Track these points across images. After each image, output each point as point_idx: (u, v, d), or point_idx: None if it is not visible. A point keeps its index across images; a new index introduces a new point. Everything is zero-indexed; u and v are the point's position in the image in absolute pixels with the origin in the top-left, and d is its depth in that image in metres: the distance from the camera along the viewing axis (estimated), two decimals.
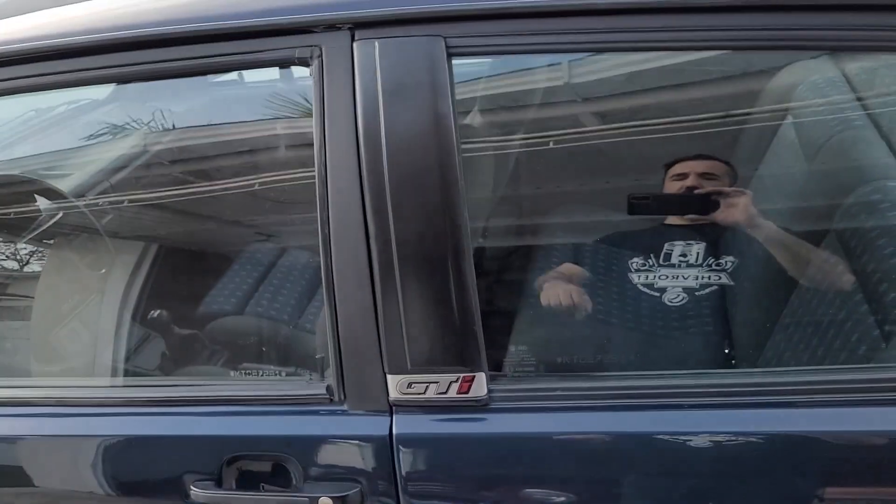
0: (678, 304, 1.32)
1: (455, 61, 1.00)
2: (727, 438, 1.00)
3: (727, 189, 1.30)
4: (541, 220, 1.81)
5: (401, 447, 1.04)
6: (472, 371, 1.02)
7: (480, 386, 1.02)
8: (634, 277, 1.31)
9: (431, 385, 1.03)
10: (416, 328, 1.02)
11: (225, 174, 1.99)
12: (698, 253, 1.33)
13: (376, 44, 1.00)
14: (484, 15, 0.99)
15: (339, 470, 1.07)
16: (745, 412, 1.00)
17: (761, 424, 0.98)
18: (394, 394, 1.04)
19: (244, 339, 1.74)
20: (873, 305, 1.23)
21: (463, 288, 1.00)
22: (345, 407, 1.07)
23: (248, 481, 1.10)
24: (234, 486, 1.10)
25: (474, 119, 1.84)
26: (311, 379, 1.12)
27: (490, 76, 1.96)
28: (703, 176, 1.42)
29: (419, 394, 1.03)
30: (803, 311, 1.30)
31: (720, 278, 1.30)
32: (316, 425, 1.08)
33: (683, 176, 1.44)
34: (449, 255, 1.00)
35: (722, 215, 1.28)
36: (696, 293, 1.33)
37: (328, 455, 1.08)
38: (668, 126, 1.94)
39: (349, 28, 1.02)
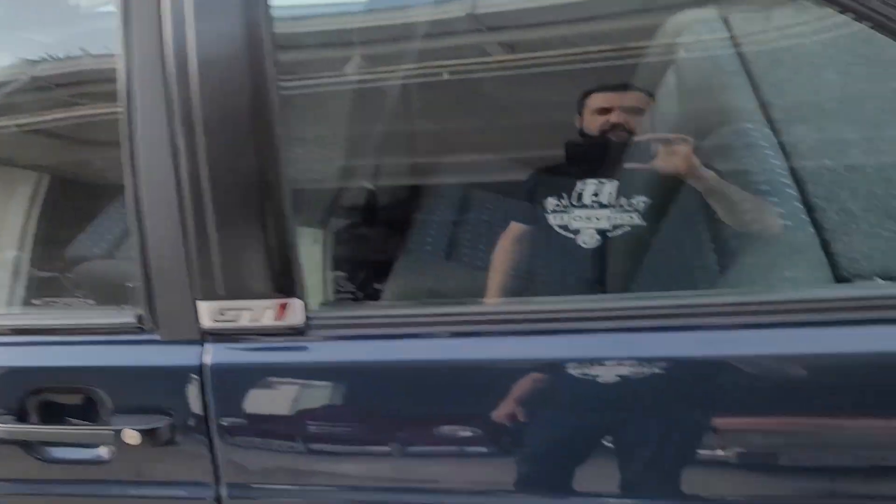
0: (592, 246, 1.28)
1: None
2: (529, 364, 0.96)
3: (670, 136, 1.22)
4: (410, 158, 1.77)
5: (212, 378, 0.99)
6: (287, 297, 0.97)
7: (297, 313, 0.97)
8: (550, 219, 1.25)
9: (245, 312, 0.98)
10: (229, 253, 0.96)
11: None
12: (610, 192, 1.27)
13: None
14: None
15: (148, 402, 1.01)
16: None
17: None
18: (205, 322, 0.99)
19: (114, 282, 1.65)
20: (717, 242, 1.23)
21: (277, 211, 0.95)
22: (156, 336, 1.01)
23: (53, 415, 1.04)
24: (37, 420, 1.03)
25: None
26: (122, 308, 1.06)
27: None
28: (629, 110, 1.36)
29: (232, 321, 0.98)
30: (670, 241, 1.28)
31: (632, 218, 1.25)
32: (125, 355, 1.02)
33: (606, 110, 1.37)
34: (263, 179, 0.94)
35: (662, 163, 1.19)
36: (609, 234, 1.28)
37: (137, 386, 1.02)
38: (560, 60, 1.92)
39: None
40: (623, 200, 1.27)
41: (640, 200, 1.29)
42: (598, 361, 0.92)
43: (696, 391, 0.91)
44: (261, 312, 0.98)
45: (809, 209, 1.19)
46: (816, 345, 0.90)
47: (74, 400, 1.04)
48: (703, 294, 1.09)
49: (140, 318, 1.01)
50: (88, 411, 1.03)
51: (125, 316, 1.03)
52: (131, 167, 0.97)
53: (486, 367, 0.95)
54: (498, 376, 0.94)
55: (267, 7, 0.93)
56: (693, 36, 1.78)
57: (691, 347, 0.92)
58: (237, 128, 0.93)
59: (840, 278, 1.07)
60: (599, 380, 0.91)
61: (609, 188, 1.28)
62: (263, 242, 0.96)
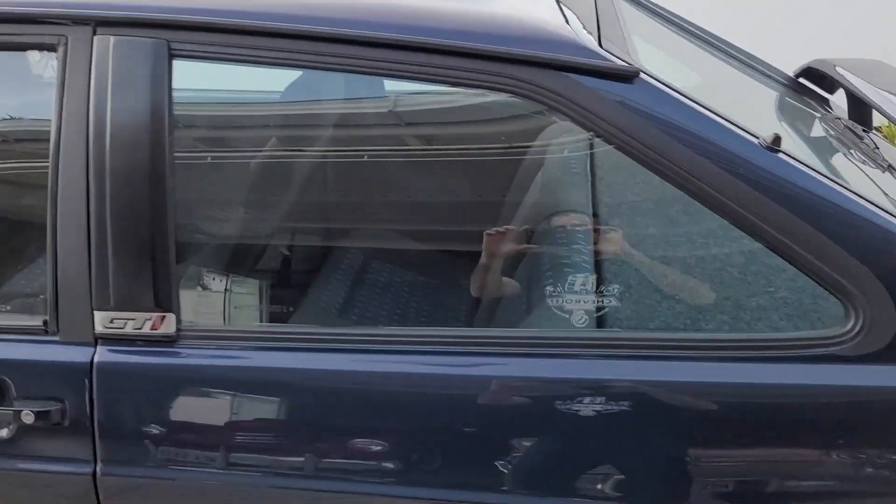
0: (584, 325, 1.51)
1: (178, 63, 1.24)
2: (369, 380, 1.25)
3: (605, 227, 1.64)
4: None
5: (99, 372, 1.25)
6: (163, 311, 1.25)
7: (170, 324, 1.25)
8: (549, 302, 1.48)
9: (130, 321, 1.25)
10: (121, 273, 1.24)
11: None
12: (591, 282, 1.53)
13: (112, 40, 1.24)
14: (199, 26, 1.23)
15: (47, 392, 1.26)
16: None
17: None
18: (99, 328, 1.26)
19: None
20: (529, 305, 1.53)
21: (161, 243, 1.23)
22: (57, 338, 1.27)
23: None
24: None
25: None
26: (32, 314, 1.32)
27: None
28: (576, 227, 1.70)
29: (119, 328, 1.25)
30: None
31: (611, 301, 1.50)
32: (31, 352, 1.28)
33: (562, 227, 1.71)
34: (152, 218, 1.23)
35: (602, 247, 1.57)
36: (596, 315, 1.54)
37: (38, 378, 1.27)
38: (461, 153, 2.27)
39: (92, 24, 1.24)
40: (602, 288, 1.54)
41: (614, 287, 1.57)
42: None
43: None
44: (142, 322, 1.25)
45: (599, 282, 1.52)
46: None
47: None
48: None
49: (45, 322, 1.27)
50: None
51: (34, 320, 1.29)
52: (52, 201, 1.24)
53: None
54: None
55: (170, 90, 1.24)
56: (567, 137, 2.13)
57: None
58: (137, 178, 1.22)
59: None
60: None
61: (591, 279, 1.55)
62: (150, 267, 1.23)
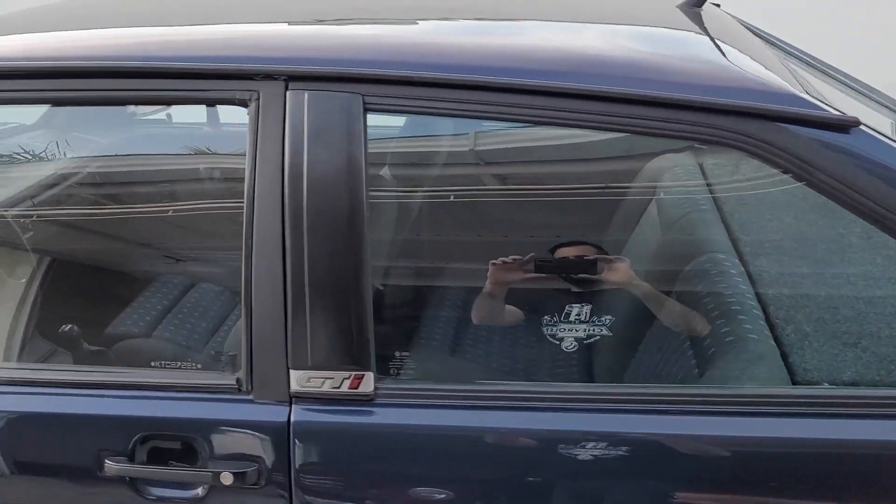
0: (572, 350, 1.58)
1: (370, 116, 1.23)
2: (585, 438, 1.22)
3: (610, 256, 1.61)
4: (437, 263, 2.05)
5: (296, 431, 1.22)
6: (361, 370, 1.22)
7: (368, 383, 1.23)
8: (544, 330, 1.55)
9: (327, 380, 1.23)
10: (319, 332, 1.22)
11: (145, 201, 2.15)
12: (587, 312, 1.59)
13: (306, 94, 1.23)
14: (395, 80, 1.22)
15: (242, 451, 1.24)
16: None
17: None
18: (294, 386, 1.23)
19: (149, 360, 1.89)
20: (696, 351, 1.51)
21: (360, 301, 1.21)
22: (251, 397, 1.25)
23: (158, 458, 1.26)
24: (144, 462, 1.26)
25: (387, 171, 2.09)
26: (223, 371, 1.30)
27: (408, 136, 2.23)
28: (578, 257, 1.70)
29: (316, 387, 1.23)
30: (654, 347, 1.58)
31: (601, 330, 1.57)
32: (225, 411, 1.26)
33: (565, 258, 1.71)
34: (351, 274, 1.21)
35: (607, 276, 1.57)
36: (585, 342, 1.61)
37: (233, 438, 1.25)
38: (554, 192, 2.25)
39: (284, 79, 1.24)
40: (595, 318, 1.58)
41: (607, 318, 1.62)
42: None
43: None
44: (339, 381, 1.23)
45: (771, 327, 1.49)
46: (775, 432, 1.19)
47: (175, 447, 1.26)
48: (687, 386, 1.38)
49: (238, 381, 1.25)
50: (187, 457, 1.26)
51: (226, 379, 1.27)
52: (247, 256, 1.23)
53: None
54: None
55: (366, 144, 1.22)
56: (673, 177, 2.12)
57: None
58: (336, 232, 1.20)
59: (795, 382, 1.35)
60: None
61: (586, 309, 1.60)
62: (348, 324, 1.21)
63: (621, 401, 1.25)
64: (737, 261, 1.70)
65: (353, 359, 1.23)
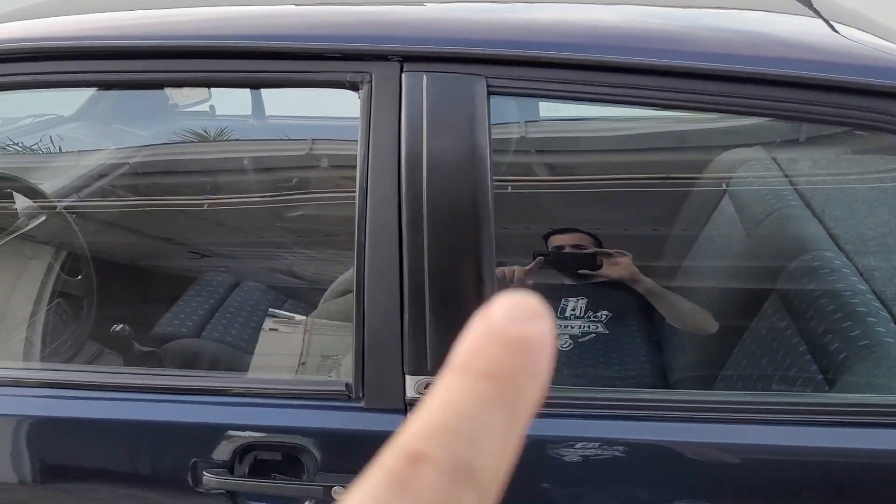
0: (566, 349, 1.50)
1: (493, 100, 1.14)
2: (703, 451, 1.13)
3: (613, 251, 1.54)
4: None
5: None
6: None
7: None
8: None
9: None
10: (440, 334, 1.12)
11: (188, 194, 2.06)
12: (581, 307, 1.52)
13: (424, 77, 1.13)
14: (523, 61, 1.12)
15: (352, 463, 1.14)
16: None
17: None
18: (411, 393, 1.13)
19: (200, 361, 1.79)
20: (818, 356, 1.41)
21: (485, 299, 1.11)
22: (361, 404, 1.15)
23: (260, 470, 1.16)
24: (245, 474, 1.16)
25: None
26: (329, 376, 1.20)
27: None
28: (575, 247, 1.62)
29: None
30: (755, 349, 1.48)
31: (597, 328, 1.50)
32: (333, 420, 1.16)
33: (560, 247, 1.63)
34: (475, 271, 1.11)
35: (609, 271, 1.50)
36: (579, 339, 1.54)
37: (343, 449, 1.15)
38: (612, 184, 2.15)
39: (399, 60, 1.14)
40: (590, 314, 1.52)
41: (603, 314, 1.56)
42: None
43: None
44: None
45: None
46: None
47: (278, 458, 1.16)
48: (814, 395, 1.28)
49: (348, 386, 1.15)
50: (291, 469, 1.16)
51: (334, 384, 1.17)
52: (360, 252, 1.13)
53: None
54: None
55: (489, 130, 1.12)
56: (750, 171, 2.02)
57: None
58: (459, 225, 1.11)
59: None
60: None
61: (581, 304, 1.53)
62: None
63: (739, 410, 1.15)
64: (845, 259, 1.60)
65: None
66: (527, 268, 1.53)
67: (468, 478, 0.17)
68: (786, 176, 1.97)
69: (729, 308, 1.71)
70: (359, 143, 1.14)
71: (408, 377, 1.14)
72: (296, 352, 1.40)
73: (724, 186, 1.97)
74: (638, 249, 1.92)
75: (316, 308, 1.65)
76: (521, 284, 1.52)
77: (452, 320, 1.12)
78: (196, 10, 1.22)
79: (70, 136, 2.34)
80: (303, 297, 1.86)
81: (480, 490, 0.18)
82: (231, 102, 2.59)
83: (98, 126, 2.37)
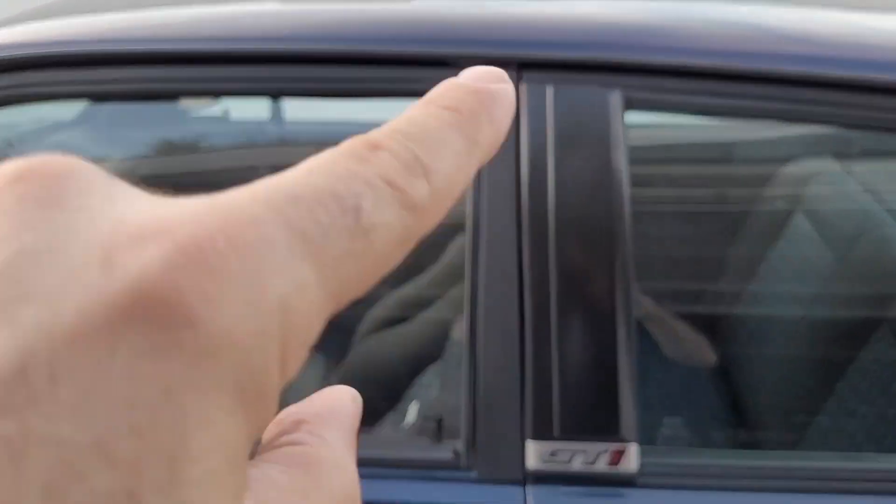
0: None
1: (631, 114, 0.96)
2: None
3: None
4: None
5: None
6: (624, 441, 0.95)
7: (631, 459, 0.95)
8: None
9: (578, 454, 0.95)
10: (571, 391, 0.94)
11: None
12: None
13: (549, 87, 0.95)
14: (669, 70, 0.95)
15: None
16: None
17: None
18: (532, 462, 0.96)
19: None
20: None
21: (626, 348, 0.94)
22: (473, 474, 0.97)
23: None
24: None
25: None
26: (432, 441, 1.02)
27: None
28: None
29: (563, 463, 0.95)
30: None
31: None
32: (437, 493, 0.97)
33: None
34: (614, 315, 0.94)
35: None
36: None
37: None
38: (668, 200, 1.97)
39: (515, 66, 0.96)
40: None
41: None
42: None
43: None
44: (594, 456, 0.95)
45: None
46: None
47: None
48: None
49: (456, 453, 0.98)
50: None
51: (439, 451, 0.99)
52: (472, 295, 0.95)
53: None
54: None
55: (628, 151, 0.95)
56: (824, 185, 1.85)
57: None
58: (590, 264, 0.93)
59: None
60: None
61: None
62: (608, 380, 0.94)
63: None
64: None
65: (611, 426, 0.95)
66: None
67: (422, 170, 0.18)
68: (868, 191, 1.81)
69: (825, 337, 1.54)
70: None
71: (528, 442, 0.96)
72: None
73: (795, 202, 1.81)
74: (678, 271, 1.76)
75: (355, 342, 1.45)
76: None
77: (584, 375, 0.94)
78: (270, 9, 1.04)
79: (71, 144, 2.15)
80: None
81: (433, 187, 0.18)
82: (246, 106, 2.42)
83: (101, 132, 2.18)
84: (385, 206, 0.17)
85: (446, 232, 1.38)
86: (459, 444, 0.97)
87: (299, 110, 2.44)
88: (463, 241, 1.33)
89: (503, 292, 0.95)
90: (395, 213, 0.17)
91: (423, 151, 0.18)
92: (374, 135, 0.18)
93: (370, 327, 1.46)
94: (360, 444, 1.15)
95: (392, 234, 0.17)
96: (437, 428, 1.02)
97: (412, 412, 1.16)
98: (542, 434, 0.95)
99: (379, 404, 1.31)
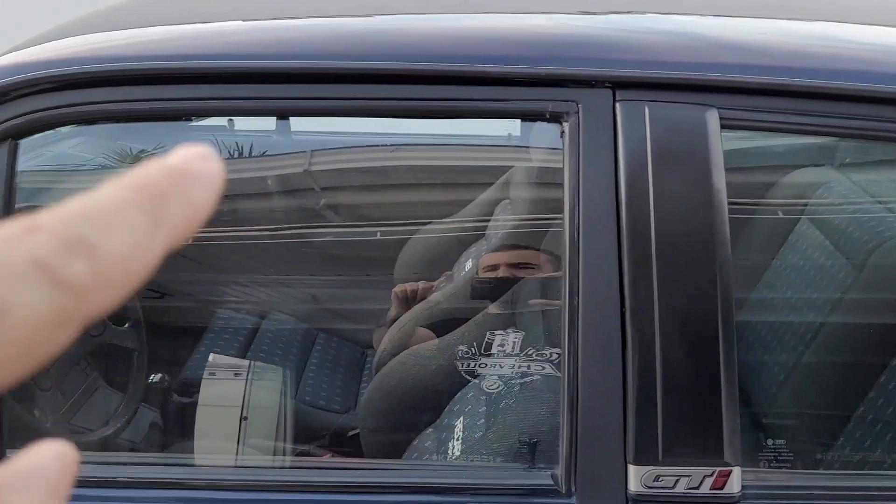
0: (495, 390, 1.24)
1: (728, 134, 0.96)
2: None
3: (554, 274, 1.27)
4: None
5: None
6: (728, 464, 0.94)
7: (735, 482, 0.94)
8: (458, 365, 1.24)
9: (682, 479, 0.94)
10: (675, 413, 0.93)
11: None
12: (514, 342, 1.25)
13: (646, 107, 0.94)
14: (759, 89, 0.95)
15: None
16: None
17: None
18: (635, 486, 0.94)
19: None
20: None
21: (729, 370, 0.93)
22: (572, 500, 0.96)
23: None
24: None
25: None
26: (529, 466, 1.00)
27: None
28: (516, 266, 1.38)
29: (667, 488, 0.94)
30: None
31: (543, 368, 1.20)
32: None
33: (494, 268, 1.39)
34: (717, 336, 0.93)
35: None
36: (512, 381, 1.25)
37: None
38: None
39: (609, 86, 0.95)
40: (532, 351, 1.24)
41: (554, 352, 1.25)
42: None
43: None
44: (699, 480, 0.94)
45: None
46: None
47: None
48: None
49: (555, 478, 0.96)
50: None
51: (537, 477, 0.97)
52: (572, 314, 0.94)
53: None
54: None
55: (725, 171, 0.95)
56: (832, 194, 1.87)
57: None
58: (694, 284, 0.93)
59: None
60: None
61: (514, 338, 1.27)
62: (713, 404, 0.93)
63: None
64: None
65: (715, 449, 0.94)
66: (433, 283, 1.32)
67: (83, 249, 0.17)
68: (880, 202, 1.83)
69: (850, 345, 1.54)
70: (566, 183, 0.95)
71: (631, 467, 0.94)
72: None
73: (802, 211, 1.82)
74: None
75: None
76: (430, 308, 1.32)
77: (689, 396, 0.93)
78: (345, 23, 1.02)
79: (70, 154, 2.08)
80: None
81: (96, 266, 0.17)
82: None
83: (101, 143, 2.12)
84: (26, 288, 0.16)
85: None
86: (558, 469, 0.96)
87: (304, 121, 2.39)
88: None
89: (604, 314, 0.94)
90: (41, 293, 0.17)
91: (89, 230, 0.18)
92: (38, 215, 0.18)
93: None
94: (449, 472, 1.11)
95: (37, 315, 0.17)
96: (530, 452, 1.01)
97: None
98: (644, 458, 0.94)
99: (420, 418, 1.27)
